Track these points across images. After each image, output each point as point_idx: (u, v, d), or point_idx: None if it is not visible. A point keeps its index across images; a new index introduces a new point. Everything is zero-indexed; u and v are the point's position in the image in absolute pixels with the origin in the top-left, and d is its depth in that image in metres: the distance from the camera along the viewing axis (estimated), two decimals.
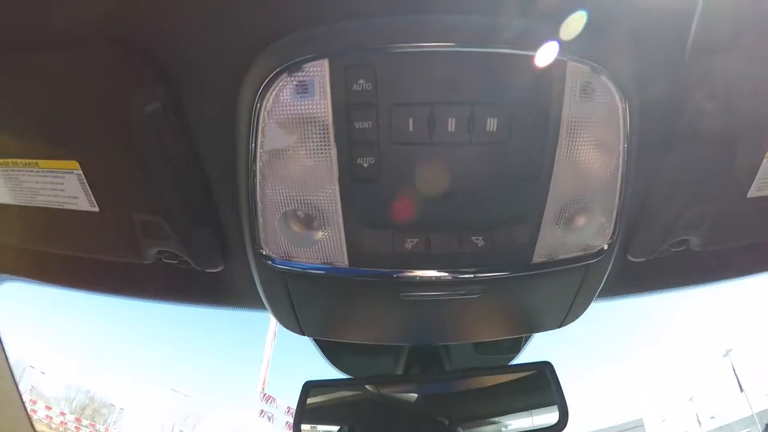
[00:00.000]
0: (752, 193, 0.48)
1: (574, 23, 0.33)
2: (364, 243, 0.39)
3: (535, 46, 0.33)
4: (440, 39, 0.32)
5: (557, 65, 0.33)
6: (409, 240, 0.39)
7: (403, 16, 0.32)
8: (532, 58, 0.33)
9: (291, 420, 0.63)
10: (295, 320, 0.50)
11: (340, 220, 0.38)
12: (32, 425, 0.79)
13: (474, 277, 0.42)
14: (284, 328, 0.53)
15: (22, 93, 0.39)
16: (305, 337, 0.55)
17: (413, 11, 0.32)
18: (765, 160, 0.46)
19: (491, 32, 0.32)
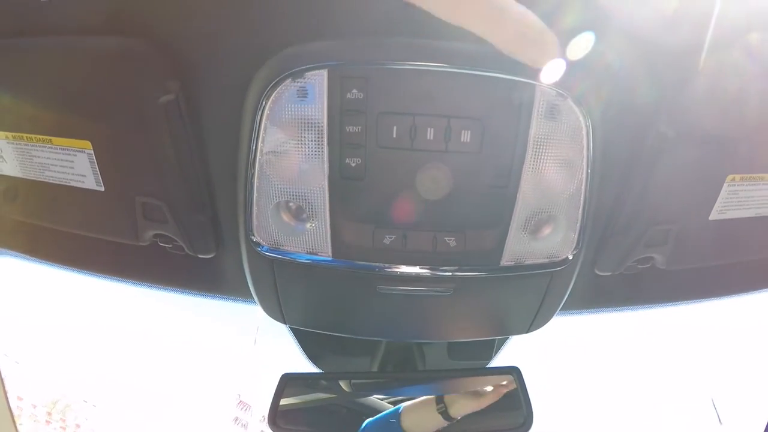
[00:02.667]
0: (714, 215, 0.51)
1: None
2: (346, 236, 0.43)
3: (508, 71, 0.37)
4: (425, 59, 0.37)
5: (527, 88, 0.38)
6: (387, 236, 0.42)
7: (395, 38, 0.37)
8: (504, 81, 0.37)
9: (264, 428, 0.65)
10: (278, 307, 0.53)
11: (327, 214, 0.42)
12: (14, 423, 0.78)
13: (446, 274, 0.45)
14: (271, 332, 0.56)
15: (43, 74, 0.42)
16: (285, 325, 0.58)
17: (403, 35, 0.37)
18: (726, 184, 0.49)
19: (470, 57, 0.37)
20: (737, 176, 0.49)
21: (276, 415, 0.64)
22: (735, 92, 0.42)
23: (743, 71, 0.41)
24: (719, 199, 0.50)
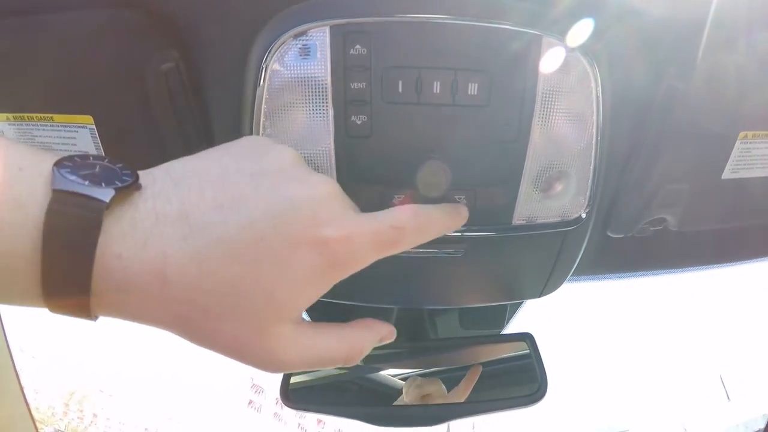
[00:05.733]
0: (726, 174, 0.50)
1: (552, 2, 0.37)
2: (354, 197, 0.42)
3: (514, 21, 0.36)
4: (429, 11, 0.36)
5: (533, 39, 0.37)
6: (396, 195, 0.41)
7: None
8: (510, 31, 0.36)
9: (278, 410, 0.65)
10: None
11: (334, 175, 0.41)
12: (32, 416, 0.79)
13: (456, 234, 0.44)
14: None
15: (41, 53, 0.41)
16: None
17: None
18: (738, 141, 0.48)
19: (475, 7, 0.36)
20: (750, 133, 0.48)
21: (288, 389, 0.65)
22: (747, 45, 0.41)
23: (756, 23, 0.40)
24: (732, 158, 0.49)
